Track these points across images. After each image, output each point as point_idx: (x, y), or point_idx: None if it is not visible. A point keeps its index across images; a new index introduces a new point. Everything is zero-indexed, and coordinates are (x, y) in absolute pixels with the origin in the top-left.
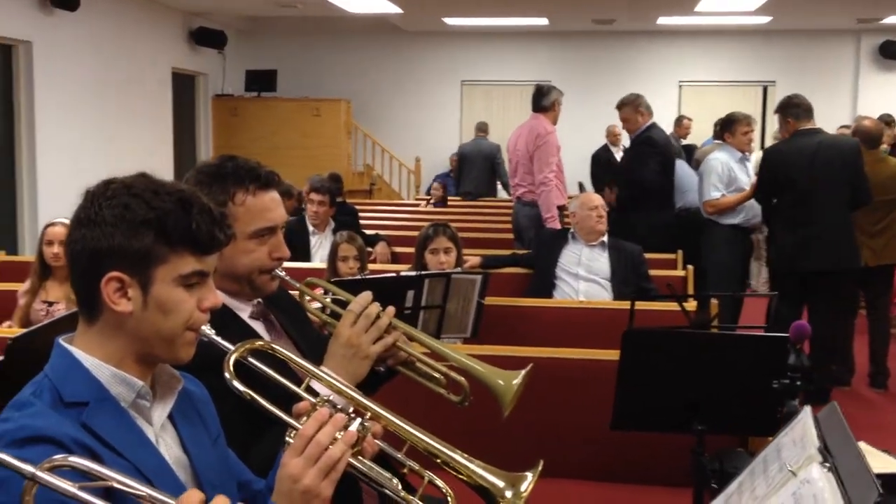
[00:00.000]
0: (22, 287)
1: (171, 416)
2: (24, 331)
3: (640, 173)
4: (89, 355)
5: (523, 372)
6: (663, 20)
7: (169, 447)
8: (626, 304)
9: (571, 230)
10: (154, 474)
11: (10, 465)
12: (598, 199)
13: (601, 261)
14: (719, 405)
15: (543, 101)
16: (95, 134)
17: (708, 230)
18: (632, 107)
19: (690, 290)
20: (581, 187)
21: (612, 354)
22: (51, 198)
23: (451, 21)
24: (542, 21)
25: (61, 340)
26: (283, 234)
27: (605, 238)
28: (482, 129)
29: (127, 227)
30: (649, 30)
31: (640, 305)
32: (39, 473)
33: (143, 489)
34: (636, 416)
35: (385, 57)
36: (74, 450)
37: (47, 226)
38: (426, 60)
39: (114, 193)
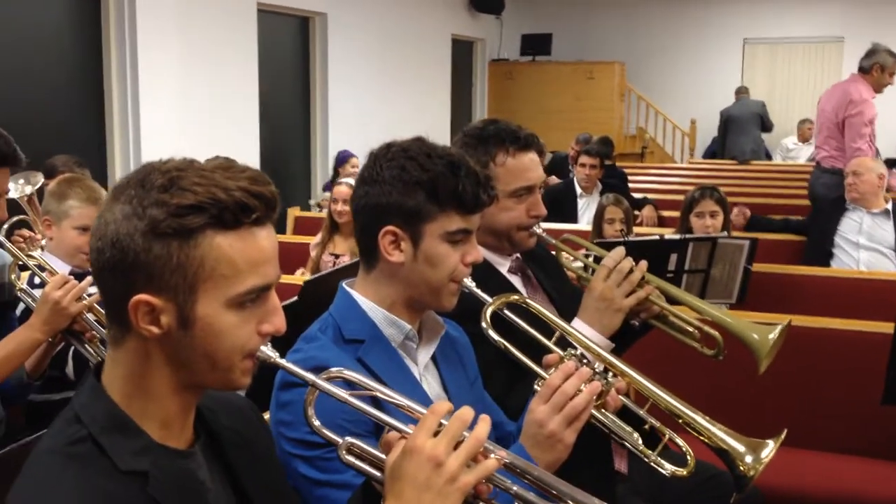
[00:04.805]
0: (314, 240)
1: (434, 358)
2: (315, 276)
3: None
4: (366, 298)
5: (780, 326)
6: None
7: (430, 385)
8: None
9: None
10: None
11: (295, 372)
12: (881, 167)
13: (885, 229)
14: None
15: (864, 61)
16: (380, 100)
17: None
18: None
19: None
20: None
21: (888, 327)
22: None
23: None
24: None
25: (344, 284)
26: (550, 196)
27: (889, 205)
28: (742, 91)
29: (402, 186)
30: None
31: None
32: (318, 381)
33: (402, 400)
34: None
35: (661, 17)
36: None
37: (336, 185)
38: (705, 18)
39: (393, 155)
